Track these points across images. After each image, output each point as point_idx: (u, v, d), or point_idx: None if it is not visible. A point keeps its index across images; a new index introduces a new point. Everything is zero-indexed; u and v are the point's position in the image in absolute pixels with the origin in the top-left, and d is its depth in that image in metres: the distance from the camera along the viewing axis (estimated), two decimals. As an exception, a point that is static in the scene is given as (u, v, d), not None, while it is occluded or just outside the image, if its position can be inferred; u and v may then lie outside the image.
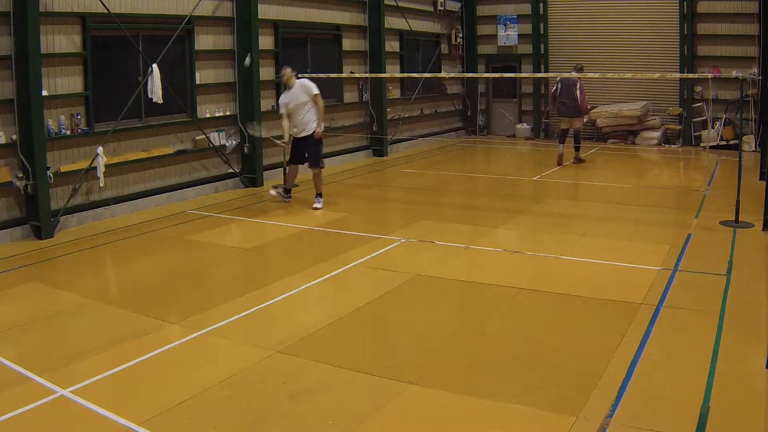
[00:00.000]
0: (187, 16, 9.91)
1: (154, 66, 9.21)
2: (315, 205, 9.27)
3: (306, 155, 9.43)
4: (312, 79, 12.50)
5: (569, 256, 6.83)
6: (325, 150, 13.10)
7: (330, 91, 13.25)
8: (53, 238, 7.98)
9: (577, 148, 13.09)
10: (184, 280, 6.52)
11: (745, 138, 13.36)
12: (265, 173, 11.30)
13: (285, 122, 9.34)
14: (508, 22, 17.62)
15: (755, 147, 13.40)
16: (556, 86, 12.98)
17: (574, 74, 12.35)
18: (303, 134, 9.31)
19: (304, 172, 12.25)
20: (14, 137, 7.82)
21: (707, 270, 6.24)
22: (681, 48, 15.25)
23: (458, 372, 4.37)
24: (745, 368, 4.29)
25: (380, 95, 14.36)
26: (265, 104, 11.53)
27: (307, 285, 6.08)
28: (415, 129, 16.26)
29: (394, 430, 3.77)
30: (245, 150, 11.02)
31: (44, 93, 7.94)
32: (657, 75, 13.09)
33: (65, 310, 5.66)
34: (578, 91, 12.50)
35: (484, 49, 18.26)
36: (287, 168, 9.90)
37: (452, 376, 4.29)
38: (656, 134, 15.58)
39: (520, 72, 16.87)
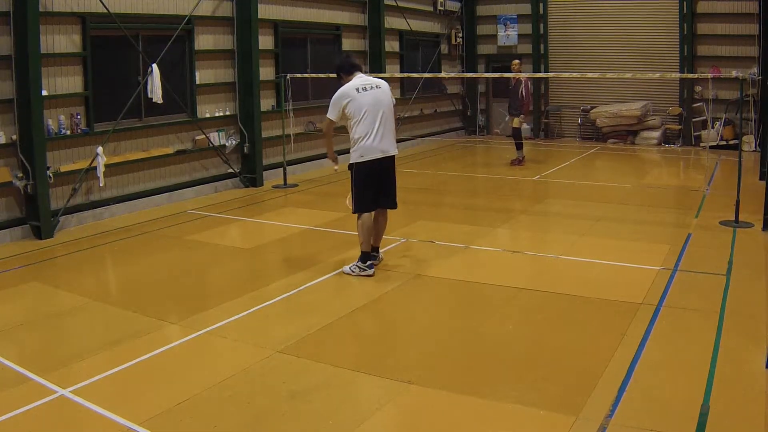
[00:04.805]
0: (187, 16, 9.91)
1: (154, 66, 9.21)
2: (368, 272, 6.24)
3: (382, 190, 6.25)
4: (311, 80, 12.61)
5: (569, 256, 6.83)
6: (323, 150, 13.02)
7: (329, 91, 13.23)
8: (53, 238, 7.98)
9: (518, 146, 12.87)
10: (184, 280, 6.51)
11: (745, 138, 13.36)
12: (264, 173, 11.30)
13: (331, 140, 6.56)
14: (508, 22, 17.63)
15: (755, 147, 13.40)
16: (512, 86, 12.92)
17: (522, 75, 12.45)
18: (391, 152, 6.19)
19: (306, 169, 12.32)
20: (14, 137, 7.82)
21: (707, 270, 6.24)
22: (681, 48, 15.25)
23: (458, 372, 4.36)
24: (745, 368, 4.29)
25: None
26: (265, 104, 11.53)
27: (307, 285, 6.07)
28: (415, 129, 16.27)
29: (393, 430, 3.77)
30: (245, 150, 11.02)
31: (44, 93, 7.94)
32: (657, 75, 13.08)
33: (65, 310, 5.66)
34: (523, 89, 12.44)
35: (484, 48, 18.26)
36: (363, 219, 6.24)
37: (452, 376, 4.29)
38: (656, 134, 15.58)
39: (521, 70, 16.85)
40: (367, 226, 6.22)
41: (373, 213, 6.31)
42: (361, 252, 6.28)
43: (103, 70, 8.90)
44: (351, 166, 6.20)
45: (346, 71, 6.32)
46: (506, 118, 13.96)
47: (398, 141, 6.40)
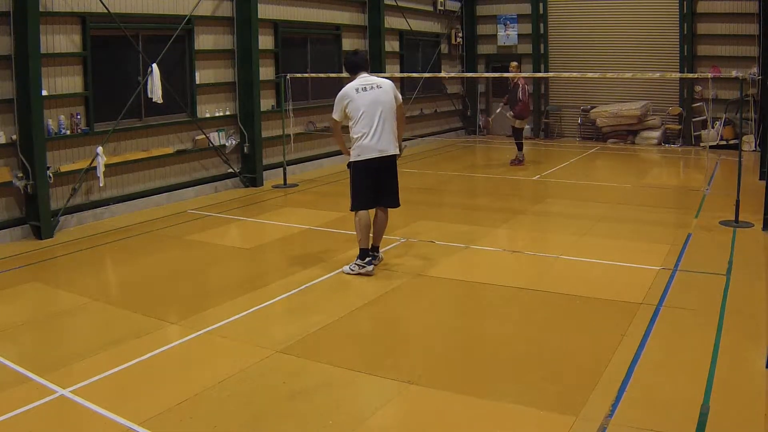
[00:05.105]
0: (187, 15, 9.90)
1: (154, 66, 9.20)
2: (367, 269, 6.26)
3: (383, 189, 6.33)
4: (311, 80, 12.61)
5: (569, 256, 6.83)
6: (323, 150, 13.18)
7: (329, 91, 13.25)
8: (53, 238, 7.98)
9: (518, 146, 12.85)
10: (184, 280, 6.51)
11: (745, 138, 13.35)
12: (264, 173, 11.30)
13: (340, 137, 6.51)
14: (508, 22, 17.63)
15: (755, 147, 13.39)
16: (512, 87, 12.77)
17: (520, 75, 12.38)
18: (389, 153, 6.26)
19: (306, 170, 12.32)
20: (14, 137, 7.82)
21: (707, 270, 6.24)
22: (681, 48, 15.25)
23: (458, 372, 4.36)
24: (745, 368, 4.29)
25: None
26: (265, 104, 11.53)
27: (308, 285, 6.07)
28: (415, 129, 16.25)
29: (393, 431, 3.77)
30: (245, 150, 11.02)
31: (44, 93, 7.94)
32: (657, 75, 13.08)
33: (65, 310, 5.66)
34: (520, 92, 12.39)
35: (484, 48, 18.26)
36: (359, 217, 6.28)
37: (452, 376, 4.29)
38: (656, 134, 15.58)
39: (520, 72, 16.86)
40: (364, 223, 6.27)
41: (370, 211, 6.35)
42: (360, 249, 6.31)
43: (103, 70, 8.90)
44: (349, 165, 6.30)
45: (351, 70, 6.38)
46: (498, 110, 13.79)
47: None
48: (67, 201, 8.38)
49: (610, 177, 11.85)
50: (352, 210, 6.32)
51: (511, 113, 12.62)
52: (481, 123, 18.04)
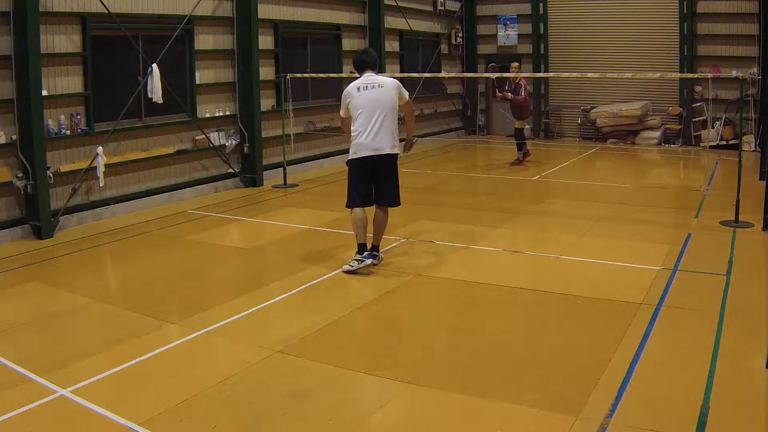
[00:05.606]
0: (187, 16, 9.91)
1: (154, 66, 9.20)
2: (366, 262, 6.24)
3: (380, 188, 6.38)
4: (311, 80, 12.62)
5: (569, 256, 6.83)
6: (323, 150, 13.17)
7: (329, 91, 13.28)
8: (53, 238, 7.97)
9: (518, 146, 12.81)
10: (184, 280, 6.51)
11: (745, 138, 13.35)
12: (264, 173, 11.30)
13: (350, 133, 6.37)
14: (508, 22, 17.63)
15: (755, 147, 13.40)
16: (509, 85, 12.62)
17: (522, 75, 12.35)
18: (385, 152, 6.24)
19: (304, 169, 12.32)
20: (14, 137, 7.82)
21: (707, 270, 6.24)
22: (681, 48, 15.25)
23: (458, 372, 4.36)
24: (745, 368, 4.29)
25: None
26: (265, 104, 11.53)
27: (307, 285, 6.07)
28: (415, 129, 16.25)
29: (393, 430, 3.77)
30: (245, 150, 11.02)
31: (44, 93, 7.94)
32: (657, 75, 13.08)
33: (65, 310, 5.66)
34: (522, 92, 12.33)
35: (484, 48, 18.27)
36: (354, 213, 6.35)
37: (452, 376, 4.29)
38: (656, 134, 15.58)
39: (520, 72, 16.85)
40: (360, 220, 6.32)
41: (365, 208, 6.40)
42: (357, 245, 6.35)
43: (103, 70, 8.90)
44: (347, 162, 6.41)
45: (358, 68, 6.47)
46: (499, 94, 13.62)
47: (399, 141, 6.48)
48: (67, 201, 8.38)
49: (610, 177, 11.85)
50: (347, 207, 6.41)
51: (505, 93, 12.54)
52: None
